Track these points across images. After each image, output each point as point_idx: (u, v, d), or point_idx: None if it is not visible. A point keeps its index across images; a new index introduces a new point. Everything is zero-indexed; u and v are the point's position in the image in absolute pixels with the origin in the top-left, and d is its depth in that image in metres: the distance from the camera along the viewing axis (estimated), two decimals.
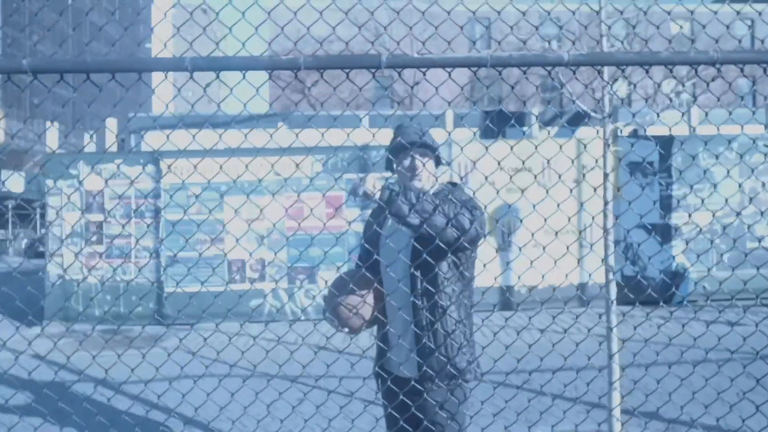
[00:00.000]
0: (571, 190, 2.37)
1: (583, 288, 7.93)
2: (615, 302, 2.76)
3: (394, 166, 2.28)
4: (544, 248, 1.87)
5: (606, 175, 2.82)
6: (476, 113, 11.14)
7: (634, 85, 1.73)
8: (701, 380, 2.39)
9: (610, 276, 2.76)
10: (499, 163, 1.91)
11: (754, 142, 8.71)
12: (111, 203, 7.57)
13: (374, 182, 2.04)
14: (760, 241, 5.61)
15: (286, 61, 1.32)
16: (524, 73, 1.36)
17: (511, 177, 1.80)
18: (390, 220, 2.26)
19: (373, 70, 1.68)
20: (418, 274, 2.15)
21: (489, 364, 2.10)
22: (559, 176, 1.93)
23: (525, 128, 10.38)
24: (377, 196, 2.00)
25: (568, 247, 2.11)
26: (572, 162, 3.10)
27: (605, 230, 2.77)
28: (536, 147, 1.96)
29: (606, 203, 2.73)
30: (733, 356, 2.42)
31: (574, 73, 1.63)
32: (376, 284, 2.18)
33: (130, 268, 7.63)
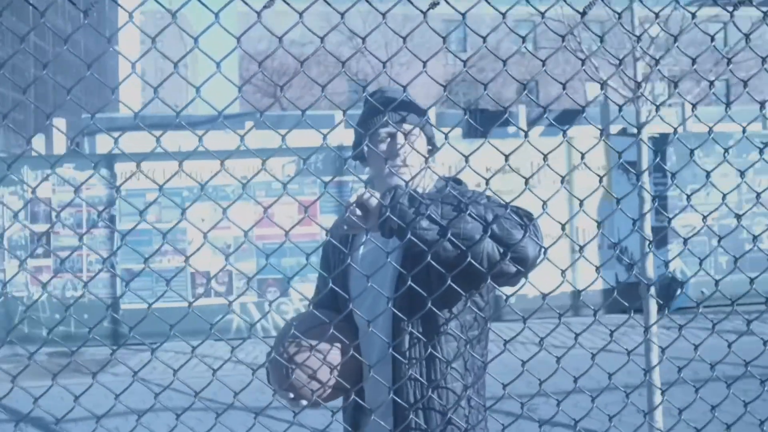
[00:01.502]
0: (614, 189, 1.96)
1: (577, 295, 7.58)
2: (655, 315, 2.36)
3: (365, 151, 1.56)
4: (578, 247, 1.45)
5: (640, 171, 2.42)
6: (458, 113, 10.83)
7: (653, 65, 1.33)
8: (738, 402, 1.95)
9: (646, 286, 2.37)
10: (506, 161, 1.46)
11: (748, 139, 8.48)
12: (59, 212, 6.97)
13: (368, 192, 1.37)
14: (755, 239, 5.28)
15: None
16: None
17: (542, 174, 1.32)
18: (362, 246, 1.60)
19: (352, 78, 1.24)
20: (407, 327, 1.47)
21: (497, 389, 1.59)
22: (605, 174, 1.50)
23: (511, 128, 10.06)
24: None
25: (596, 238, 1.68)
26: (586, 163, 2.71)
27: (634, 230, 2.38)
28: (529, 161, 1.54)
29: (643, 202, 2.34)
30: None
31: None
32: (337, 332, 1.47)
33: (81, 283, 7.04)
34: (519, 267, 1.36)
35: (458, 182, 1.64)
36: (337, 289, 1.44)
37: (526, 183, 1.20)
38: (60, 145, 7.67)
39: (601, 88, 1.62)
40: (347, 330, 1.52)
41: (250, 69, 25.97)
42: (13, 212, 6.84)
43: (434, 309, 1.35)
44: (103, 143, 9.25)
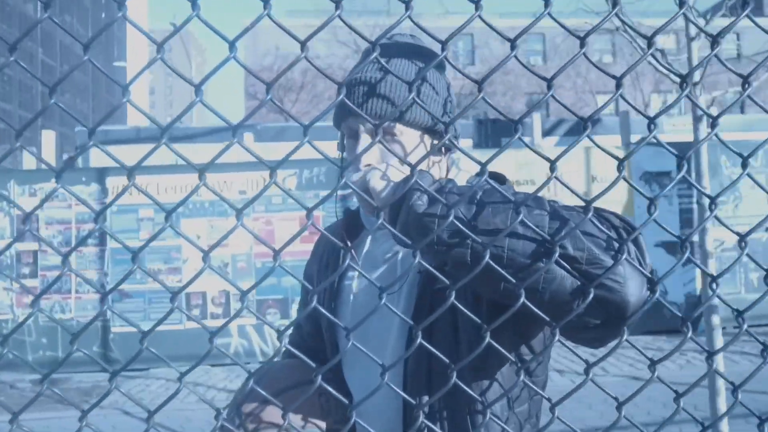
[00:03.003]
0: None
1: None
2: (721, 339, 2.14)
3: (343, 141, 1.10)
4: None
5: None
6: (469, 123, 10.70)
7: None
8: None
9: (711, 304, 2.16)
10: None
11: None
12: (47, 229, 6.80)
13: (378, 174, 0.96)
14: None
15: None
16: None
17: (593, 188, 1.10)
18: (355, 273, 1.09)
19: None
20: (424, 403, 0.97)
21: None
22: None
23: (525, 138, 9.88)
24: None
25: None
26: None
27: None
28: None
29: (704, 211, 2.13)
30: None
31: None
32: (323, 401, 1.04)
33: (70, 304, 6.84)
34: (610, 315, 0.82)
35: (500, 180, 1.10)
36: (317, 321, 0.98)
37: (589, 178, 0.97)
38: (49, 159, 7.54)
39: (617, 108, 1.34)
40: (336, 397, 0.97)
41: (256, 84, 26.05)
42: None
43: (465, 380, 0.89)
44: (97, 157, 9.12)
